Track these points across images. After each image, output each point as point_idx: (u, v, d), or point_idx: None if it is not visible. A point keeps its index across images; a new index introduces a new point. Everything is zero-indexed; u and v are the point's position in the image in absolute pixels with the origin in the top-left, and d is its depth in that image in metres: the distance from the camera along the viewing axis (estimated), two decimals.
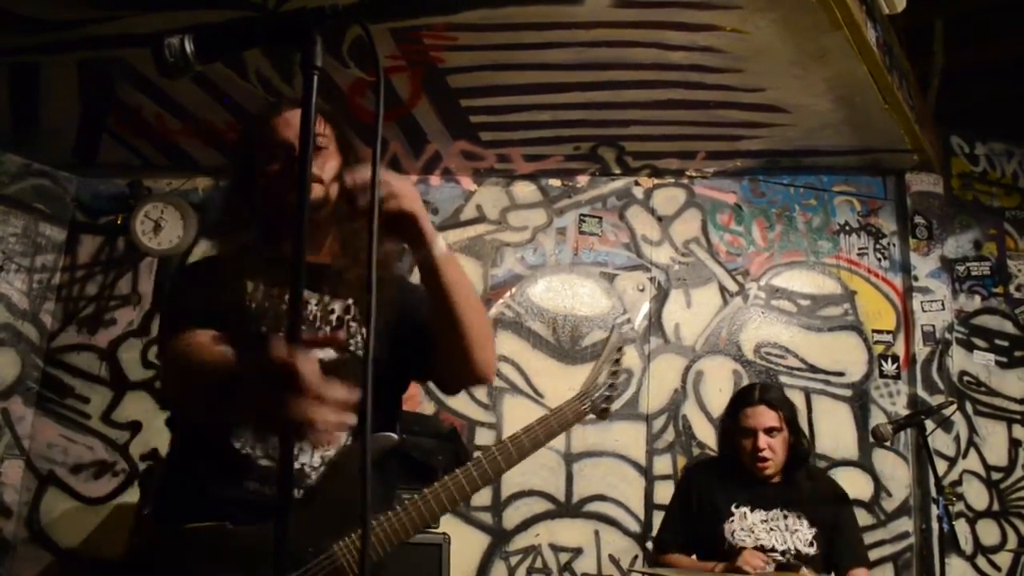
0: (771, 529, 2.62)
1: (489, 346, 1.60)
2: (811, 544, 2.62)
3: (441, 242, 1.47)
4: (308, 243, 1.24)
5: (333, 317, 1.59)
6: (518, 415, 3.84)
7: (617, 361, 1.98)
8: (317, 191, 1.54)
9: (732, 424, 2.77)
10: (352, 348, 1.58)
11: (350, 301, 1.60)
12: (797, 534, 2.62)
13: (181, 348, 1.45)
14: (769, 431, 2.67)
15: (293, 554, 1.43)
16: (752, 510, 2.66)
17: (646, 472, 3.82)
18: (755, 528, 2.62)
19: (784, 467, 2.73)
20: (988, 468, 3.90)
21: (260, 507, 1.45)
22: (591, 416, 1.90)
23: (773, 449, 2.67)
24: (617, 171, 4.14)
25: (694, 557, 2.70)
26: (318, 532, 1.50)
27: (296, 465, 1.52)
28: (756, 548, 2.57)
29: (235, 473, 1.50)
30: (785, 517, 2.65)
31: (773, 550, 2.59)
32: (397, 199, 1.39)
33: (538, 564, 3.72)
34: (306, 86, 1.15)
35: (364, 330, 1.58)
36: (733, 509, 2.67)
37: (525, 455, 1.73)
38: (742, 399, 2.80)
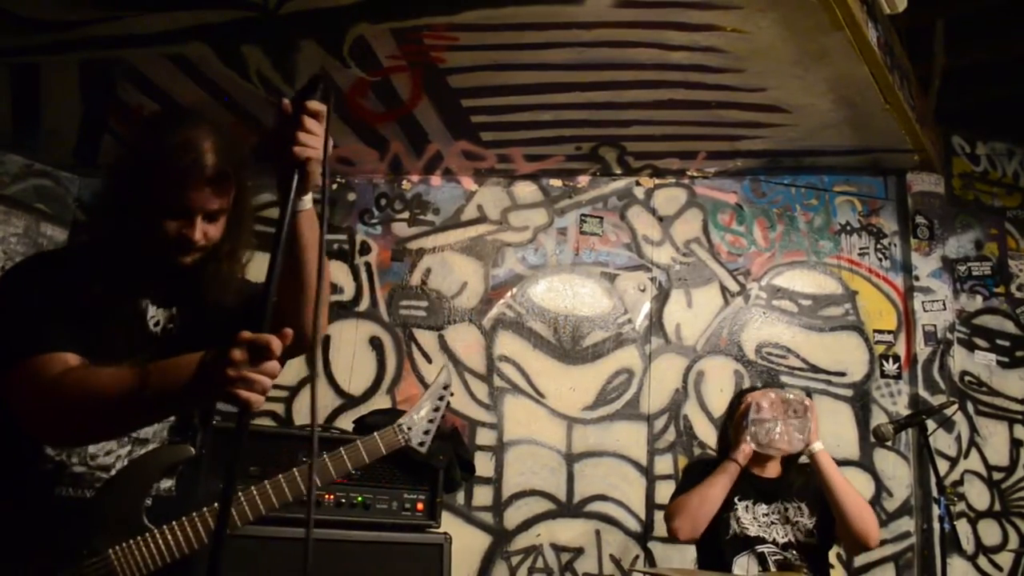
0: (772, 523, 2.64)
1: (322, 312, 1.63)
2: (811, 534, 2.63)
3: (309, 198, 1.51)
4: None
5: (158, 328, 1.63)
6: (519, 415, 3.85)
7: (441, 398, 2.03)
8: (196, 257, 1.57)
9: (734, 408, 2.79)
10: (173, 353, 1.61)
11: (174, 310, 1.65)
12: (798, 525, 2.63)
13: (64, 387, 1.43)
14: None
15: (67, 553, 1.50)
16: (755, 504, 2.68)
17: (647, 472, 3.82)
18: (757, 519, 2.64)
19: (784, 461, 2.76)
20: (989, 468, 3.90)
21: (70, 511, 1.52)
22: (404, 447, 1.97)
23: None
24: (618, 171, 4.14)
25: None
26: (96, 534, 1.53)
27: (114, 472, 1.58)
28: (756, 540, 2.60)
29: (48, 479, 1.54)
30: (786, 509, 2.67)
31: (774, 543, 2.60)
32: (315, 139, 1.38)
33: (539, 564, 3.72)
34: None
35: (184, 336, 1.63)
36: (737, 502, 2.68)
37: (328, 481, 1.82)
38: (746, 389, 2.89)
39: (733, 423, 2.75)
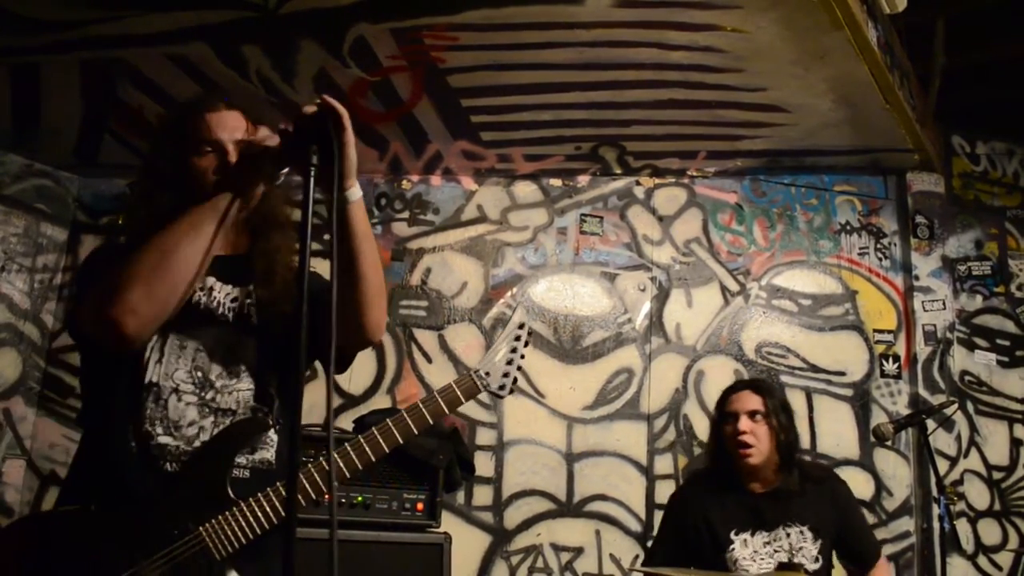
0: (775, 551, 2.51)
1: (382, 305, 1.64)
2: (816, 559, 2.51)
3: (358, 188, 1.52)
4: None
5: (236, 304, 1.65)
6: (519, 415, 3.85)
7: (518, 338, 1.86)
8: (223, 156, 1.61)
9: (717, 413, 2.69)
10: (251, 331, 1.65)
11: (250, 287, 1.67)
12: (802, 551, 2.51)
13: (119, 262, 1.49)
14: (752, 414, 2.57)
15: (159, 534, 1.50)
16: (753, 534, 2.54)
17: (647, 472, 3.82)
18: (758, 553, 2.51)
19: (776, 468, 2.59)
20: (989, 468, 3.90)
21: (158, 486, 1.53)
22: (484, 395, 1.83)
23: (756, 435, 2.55)
24: (618, 171, 4.14)
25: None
26: (184, 512, 1.53)
27: (197, 443, 1.58)
28: None
29: (152, 457, 1.55)
30: (788, 535, 2.53)
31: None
32: (344, 132, 1.43)
33: (539, 564, 3.72)
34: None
35: (260, 313, 1.65)
36: (733, 536, 2.53)
37: (408, 435, 1.70)
38: (729, 388, 2.75)
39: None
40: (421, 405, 1.71)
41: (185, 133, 1.63)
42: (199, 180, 1.60)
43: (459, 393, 1.76)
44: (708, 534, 2.57)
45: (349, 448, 1.65)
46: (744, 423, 2.57)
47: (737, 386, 2.73)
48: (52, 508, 1.64)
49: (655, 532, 2.81)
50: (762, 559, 2.51)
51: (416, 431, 1.69)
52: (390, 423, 1.68)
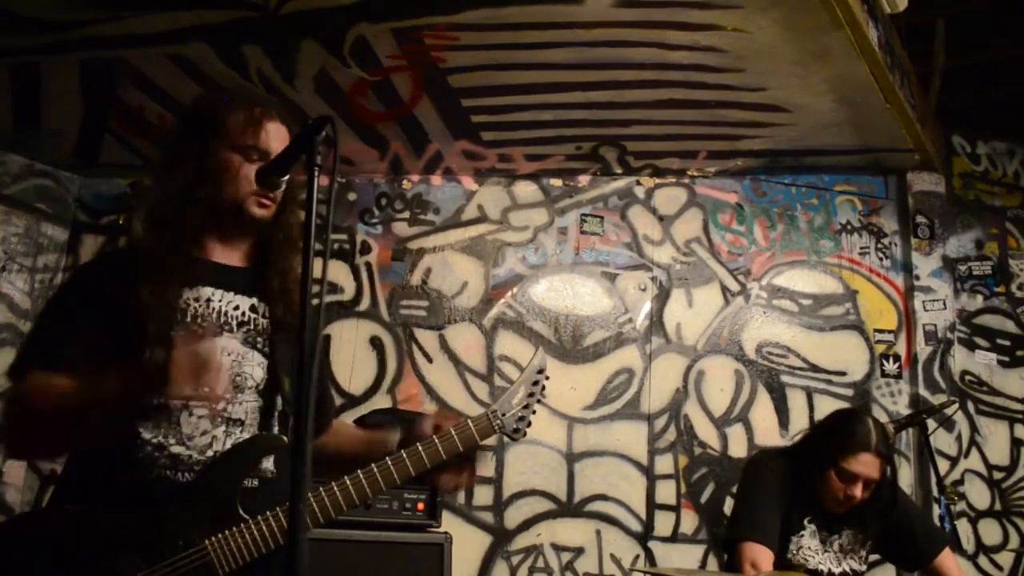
0: (825, 551, 2.53)
1: None
2: (864, 560, 2.55)
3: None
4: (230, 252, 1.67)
5: (238, 312, 1.66)
6: None
7: (536, 383, 1.90)
8: (269, 212, 1.65)
9: (834, 459, 2.49)
10: (259, 345, 1.66)
11: (254, 300, 1.68)
12: (852, 552, 2.53)
13: (18, 399, 1.53)
14: (868, 483, 2.48)
15: (163, 543, 1.49)
16: (819, 529, 2.54)
17: (647, 472, 3.82)
18: (819, 547, 2.52)
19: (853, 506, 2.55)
20: (990, 467, 3.90)
21: (167, 496, 1.52)
22: (496, 436, 1.86)
23: (862, 497, 2.49)
24: (618, 171, 4.14)
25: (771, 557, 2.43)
26: (191, 524, 1.53)
27: (210, 452, 1.57)
28: (815, 572, 2.47)
29: (163, 466, 1.54)
30: (840, 536, 2.54)
31: (829, 573, 2.50)
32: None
33: (540, 564, 3.72)
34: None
35: (270, 328, 1.67)
36: (806, 524, 2.53)
37: (421, 469, 1.71)
38: (861, 442, 2.49)
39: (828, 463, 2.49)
40: (436, 440, 1.73)
41: (237, 134, 1.63)
42: (235, 183, 1.60)
43: (474, 432, 1.79)
44: (787, 506, 2.53)
45: (361, 477, 1.66)
46: (859, 490, 2.48)
47: (870, 446, 2.48)
48: (50, 505, 1.63)
49: (742, 502, 2.61)
50: (820, 555, 2.52)
51: (429, 466, 1.72)
52: (404, 455, 1.70)
